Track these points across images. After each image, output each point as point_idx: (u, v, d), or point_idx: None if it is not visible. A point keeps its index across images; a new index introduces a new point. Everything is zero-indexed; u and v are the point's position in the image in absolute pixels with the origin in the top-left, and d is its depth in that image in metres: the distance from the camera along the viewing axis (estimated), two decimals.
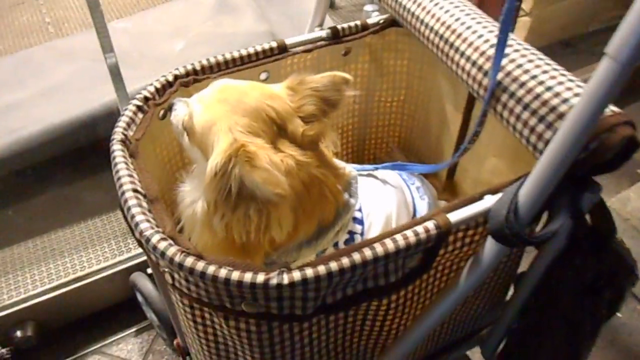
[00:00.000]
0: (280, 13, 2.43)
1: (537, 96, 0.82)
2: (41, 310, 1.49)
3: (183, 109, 0.93)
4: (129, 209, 0.79)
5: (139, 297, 1.49)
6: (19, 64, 2.24)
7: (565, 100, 0.80)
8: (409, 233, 0.75)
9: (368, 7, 1.27)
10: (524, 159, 1.04)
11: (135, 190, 0.82)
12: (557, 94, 0.81)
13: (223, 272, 0.70)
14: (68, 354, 1.52)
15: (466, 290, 0.87)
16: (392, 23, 1.21)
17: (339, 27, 1.19)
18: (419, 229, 0.76)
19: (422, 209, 1.11)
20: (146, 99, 1.00)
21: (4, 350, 1.52)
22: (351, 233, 0.99)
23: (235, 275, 0.70)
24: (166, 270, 0.77)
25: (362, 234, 1.00)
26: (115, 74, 1.39)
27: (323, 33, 1.18)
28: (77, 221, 1.75)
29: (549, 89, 0.82)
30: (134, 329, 1.57)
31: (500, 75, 0.88)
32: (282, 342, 0.83)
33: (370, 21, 1.21)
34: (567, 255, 0.90)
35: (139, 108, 0.98)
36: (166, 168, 1.11)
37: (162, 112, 1.03)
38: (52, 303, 1.50)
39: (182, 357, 1.22)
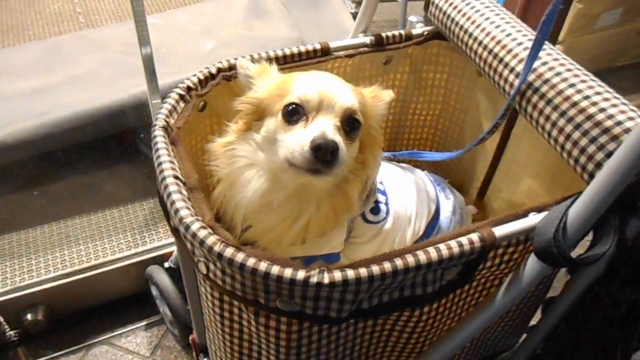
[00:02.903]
0: (310, 22, 2.44)
1: (590, 117, 0.81)
2: (53, 295, 1.48)
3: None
4: (169, 194, 0.78)
5: (154, 291, 1.47)
6: (49, 50, 2.25)
7: (619, 123, 0.79)
8: (452, 243, 0.74)
9: (412, 18, 1.27)
10: (562, 182, 1.03)
11: (175, 177, 0.81)
12: (610, 116, 0.80)
13: (263, 266, 0.69)
14: (76, 342, 1.50)
15: (501, 310, 0.85)
16: (436, 35, 1.21)
17: (383, 34, 1.18)
18: (463, 240, 0.74)
19: (445, 206, 1.15)
20: (189, 88, 0.99)
21: (11, 333, 1.50)
22: (376, 202, 1.01)
23: (275, 269, 0.68)
24: (201, 260, 0.76)
25: (386, 203, 1.03)
26: (149, 66, 1.39)
27: (367, 39, 1.18)
28: (95, 210, 1.74)
29: (602, 110, 0.81)
30: (144, 323, 1.55)
31: (551, 93, 0.87)
32: (310, 344, 0.81)
33: (414, 32, 1.21)
34: (603, 282, 0.88)
35: (181, 97, 0.98)
36: (199, 161, 1.10)
37: (201, 103, 1.02)
38: (64, 289, 1.48)
39: (195, 354, 1.20)
